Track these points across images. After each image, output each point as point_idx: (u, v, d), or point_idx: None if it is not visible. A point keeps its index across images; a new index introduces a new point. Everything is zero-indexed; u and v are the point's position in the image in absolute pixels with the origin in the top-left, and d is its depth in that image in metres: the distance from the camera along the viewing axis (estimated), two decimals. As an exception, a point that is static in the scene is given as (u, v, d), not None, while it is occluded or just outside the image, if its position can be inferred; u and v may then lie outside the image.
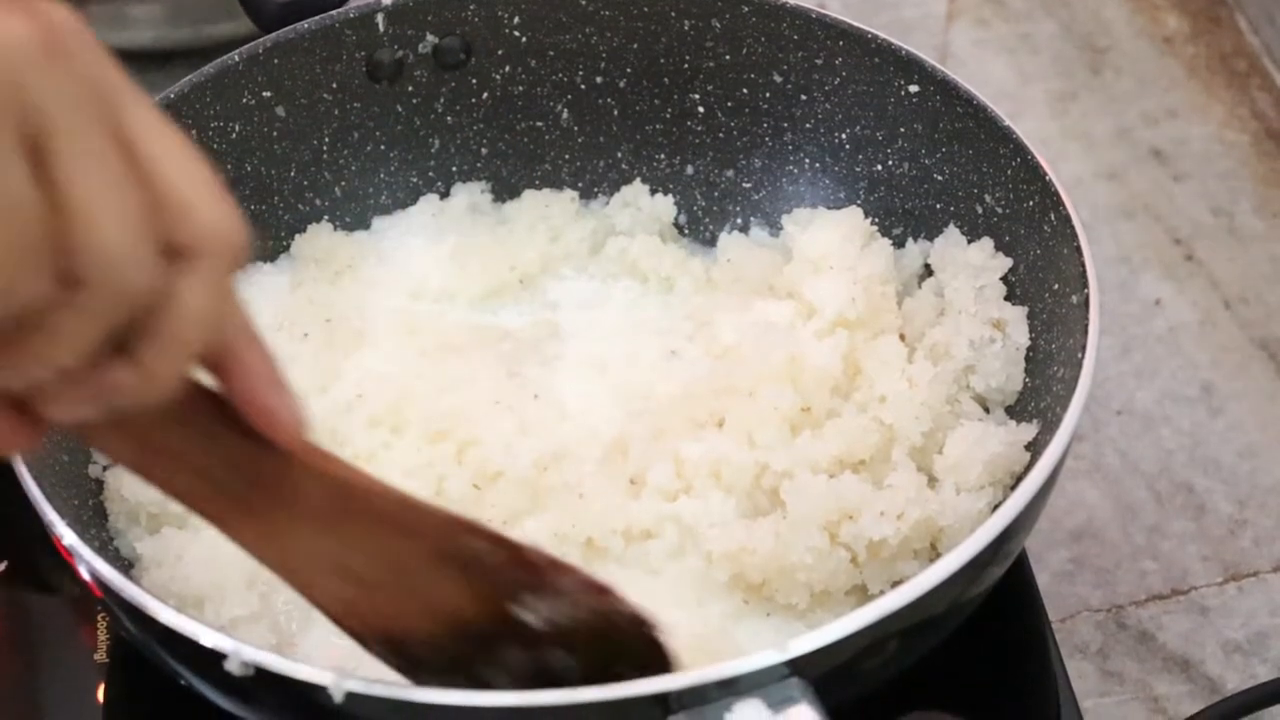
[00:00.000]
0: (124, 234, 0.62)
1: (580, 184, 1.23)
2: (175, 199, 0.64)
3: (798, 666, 0.83)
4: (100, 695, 1.07)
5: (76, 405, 0.66)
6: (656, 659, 0.85)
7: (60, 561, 0.94)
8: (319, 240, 1.19)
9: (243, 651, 0.85)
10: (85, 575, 0.92)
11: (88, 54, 0.64)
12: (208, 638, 0.86)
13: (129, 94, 0.65)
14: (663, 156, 1.22)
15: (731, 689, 0.82)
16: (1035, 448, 1.02)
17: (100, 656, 1.09)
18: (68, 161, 0.61)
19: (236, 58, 1.15)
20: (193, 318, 0.65)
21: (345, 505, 0.78)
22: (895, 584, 0.96)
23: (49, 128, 0.61)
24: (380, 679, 0.84)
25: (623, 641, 0.84)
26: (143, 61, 1.52)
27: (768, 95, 1.18)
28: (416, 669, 0.84)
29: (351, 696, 0.83)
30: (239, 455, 0.74)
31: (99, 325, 0.63)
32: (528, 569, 0.83)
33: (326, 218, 1.20)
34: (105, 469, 1.05)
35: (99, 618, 1.10)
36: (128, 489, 1.03)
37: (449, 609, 0.82)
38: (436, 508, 0.82)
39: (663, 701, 0.82)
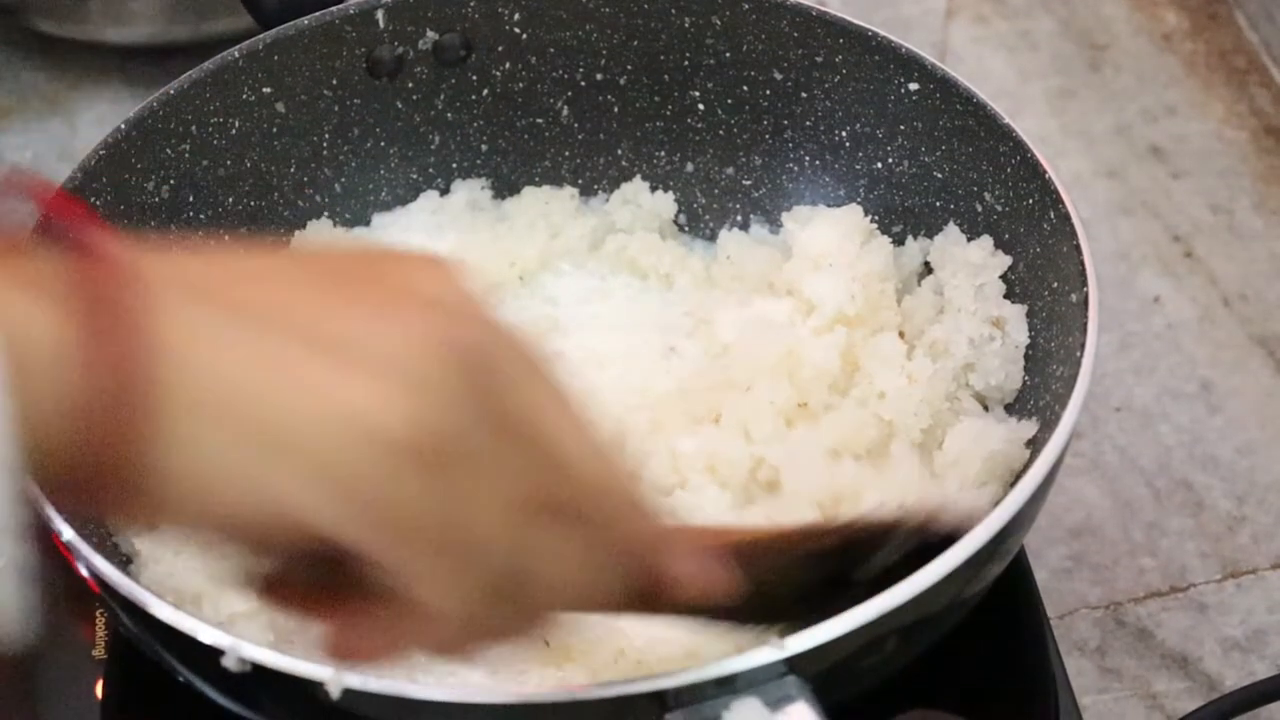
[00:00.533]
0: None
1: (580, 181, 1.23)
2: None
3: (795, 664, 0.83)
4: (99, 691, 1.07)
5: None
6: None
7: (58, 556, 0.94)
8: (319, 237, 1.19)
9: (240, 648, 0.85)
10: (83, 571, 0.92)
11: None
12: (205, 634, 0.86)
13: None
14: (663, 154, 1.22)
15: (729, 687, 0.82)
16: (1034, 445, 1.02)
17: (98, 652, 1.08)
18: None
19: (236, 54, 1.15)
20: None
21: None
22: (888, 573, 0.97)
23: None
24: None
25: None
26: (142, 57, 1.53)
27: (768, 93, 1.18)
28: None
29: (349, 693, 0.83)
30: None
31: None
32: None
33: (326, 214, 1.20)
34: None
35: (97, 613, 1.10)
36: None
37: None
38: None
39: (660, 699, 0.82)
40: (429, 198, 1.22)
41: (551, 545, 0.69)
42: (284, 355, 0.63)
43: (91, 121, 1.52)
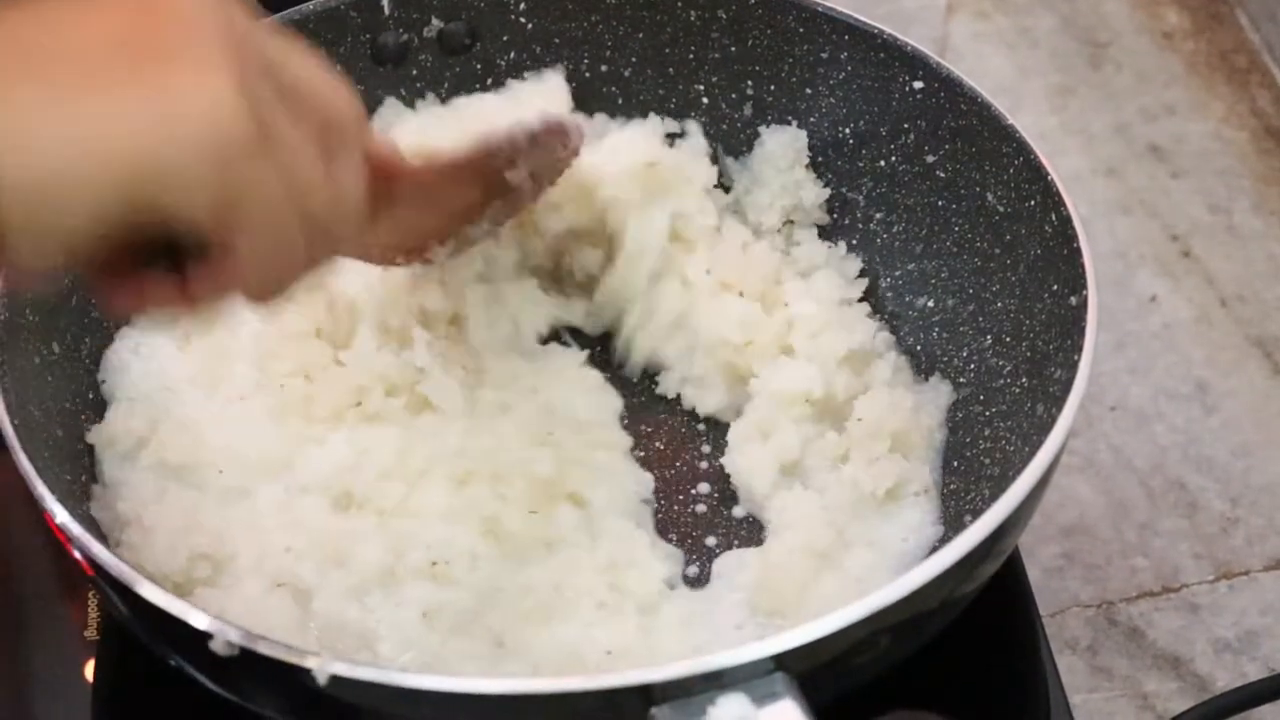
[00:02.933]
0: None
1: (582, 171, 1.23)
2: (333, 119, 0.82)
3: (783, 661, 0.83)
4: (89, 672, 1.07)
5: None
6: None
7: (52, 538, 0.94)
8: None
9: (227, 632, 0.85)
10: (76, 553, 0.92)
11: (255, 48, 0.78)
12: (194, 618, 0.86)
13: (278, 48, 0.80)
14: (665, 146, 1.22)
15: (715, 682, 0.82)
16: (1030, 447, 1.02)
17: (90, 633, 1.09)
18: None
19: (241, 38, 1.15)
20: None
21: (422, 190, 0.99)
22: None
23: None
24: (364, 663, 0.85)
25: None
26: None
27: (772, 88, 1.18)
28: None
29: (335, 679, 0.83)
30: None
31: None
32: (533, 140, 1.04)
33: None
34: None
35: (89, 595, 1.10)
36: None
37: (465, 206, 1.05)
38: (470, 154, 1.02)
39: (646, 693, 0.82)
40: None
41: (341, 175, 0.82)
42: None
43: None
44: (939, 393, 1.11)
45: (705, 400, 1.13)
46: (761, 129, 1.19)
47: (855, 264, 1.17)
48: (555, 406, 1.08)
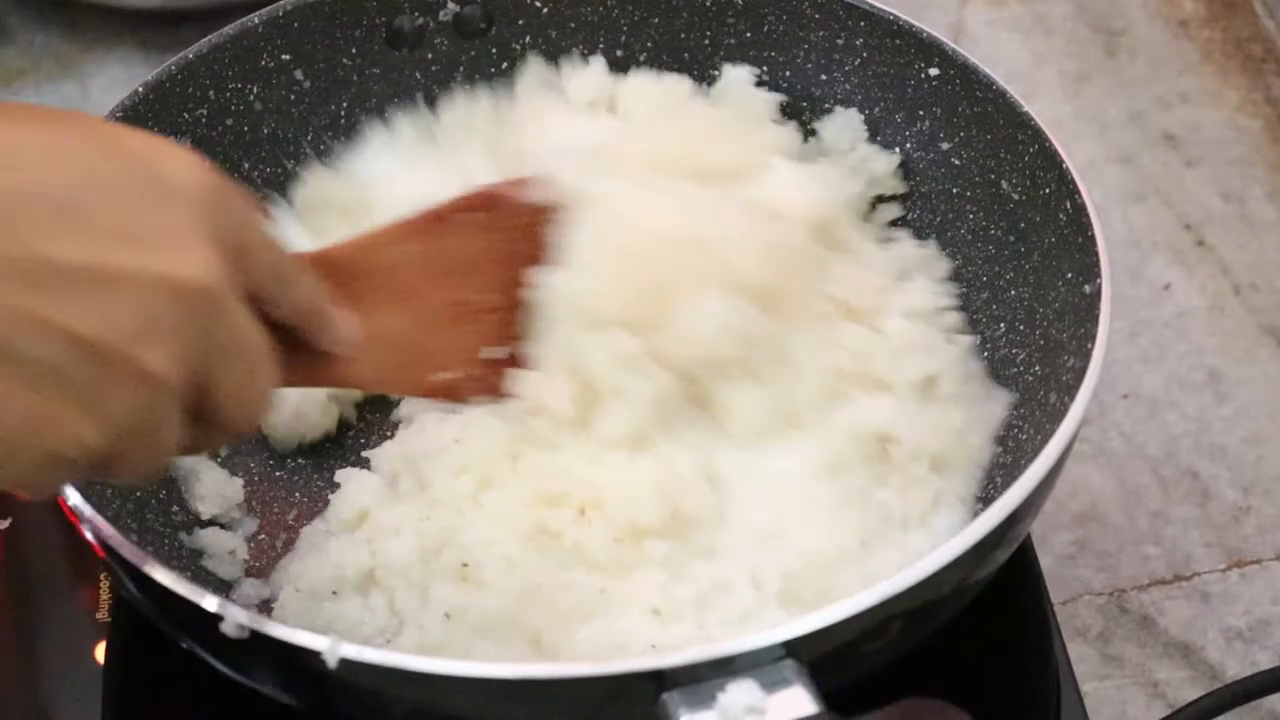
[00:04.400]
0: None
1: (597, 156, 1.23)
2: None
3: (794, 648, 0.83)
4: (100, 654, 1.08)
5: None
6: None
7: (63, 520, 0.94)
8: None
9: (238, 614, 0.85)
10: (88, 535, 0.92)
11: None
12: (205, 600, 0.86)
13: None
14: (680, 131, 1.22)
15: (726, 668, 0.82)
16: (1042, 435, 1.02)
17: (101, 615, 1.09)
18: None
19: (257, 20, 1.15)
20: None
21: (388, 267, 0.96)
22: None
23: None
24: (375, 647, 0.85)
25: None
26: (155, 22, 1.53)
27: (788, 74, 1.18)
28: None
29: (345, 663, 0.83)
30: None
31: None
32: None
33: (339, 180, 1.20)
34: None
35: (101, 577, 1.10)
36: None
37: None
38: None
39: (657, 678, 0.82)
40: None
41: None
42: None
43: (104, 84, 1.52)
44: (993, 407, 1.08)
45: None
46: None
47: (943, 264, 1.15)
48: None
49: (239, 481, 1.09)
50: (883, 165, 1.16)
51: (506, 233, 1.02)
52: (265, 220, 0.81)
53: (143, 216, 0.73)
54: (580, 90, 1.18)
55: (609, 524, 0.99)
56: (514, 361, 1.02)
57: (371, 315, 0.92)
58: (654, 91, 1.17)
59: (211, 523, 1.06)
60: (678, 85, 1.18)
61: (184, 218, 0.74)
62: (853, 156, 1.16)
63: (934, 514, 1.03)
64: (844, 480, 1.03)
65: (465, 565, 0.98)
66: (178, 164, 0.75)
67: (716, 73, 1.20)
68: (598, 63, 1.19)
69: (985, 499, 1.04)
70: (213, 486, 1.06)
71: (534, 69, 1.20)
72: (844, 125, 1.17)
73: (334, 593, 1.00)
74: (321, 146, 1.19)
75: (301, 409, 1.09)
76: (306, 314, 0.85)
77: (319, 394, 1.10)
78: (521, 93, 1.19)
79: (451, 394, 1.01)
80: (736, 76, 1.18)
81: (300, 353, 0.86)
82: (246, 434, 0.84)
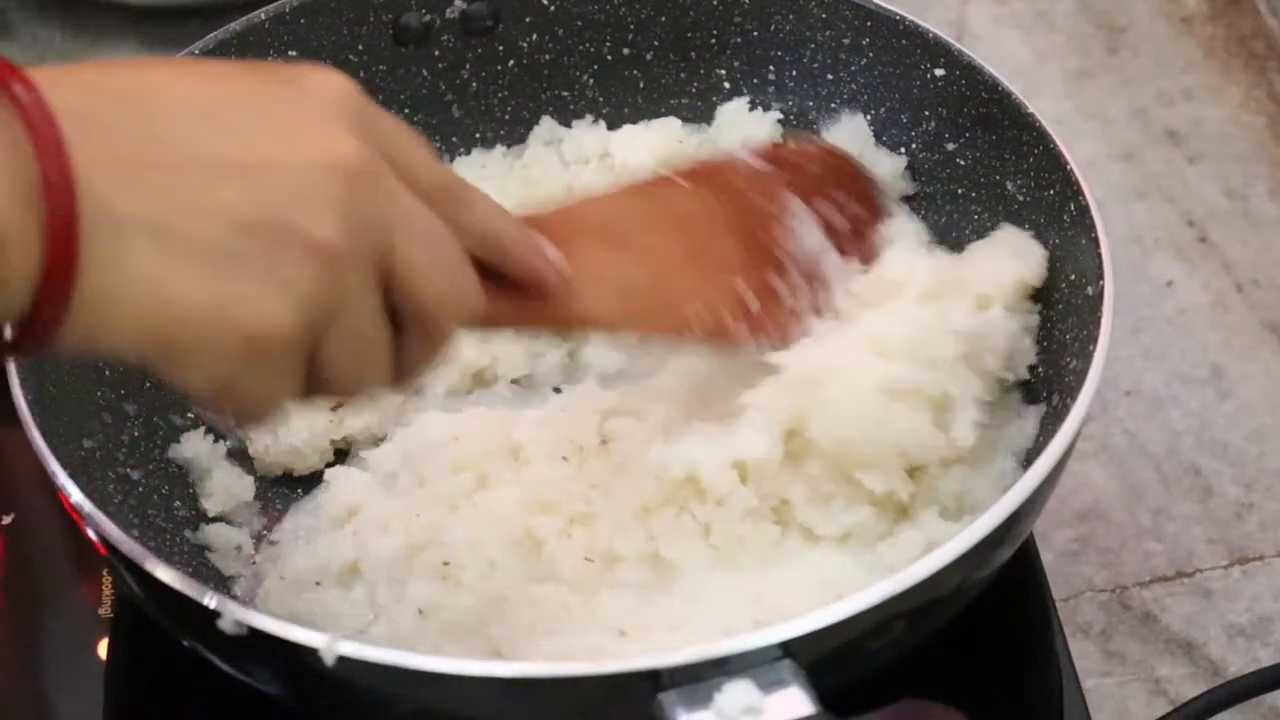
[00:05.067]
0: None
1: (605, 154, 1.23)
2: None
3: (790, 649, 0.83)
4: (103, 650, 1.08)
5: None
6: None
7: (65, 516, 0.95)
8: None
9: (235, 612, 0.86)
10: (90, 533, 0.93)
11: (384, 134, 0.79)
12: (204, 597, 0.87)
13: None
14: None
15: (723, 668, 0.83)
16: (1045, 436, 1.02)
17: (104, 611, 1.09)
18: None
19: (263, 16, 1.15)
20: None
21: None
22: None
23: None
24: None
25: None
26: (159, 18, 1.52)
27: (794, 74, 1.19)
28: None
29: (343, 660, 0.84)
30: None
31: None
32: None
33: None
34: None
35: (103, 573, 1.11)
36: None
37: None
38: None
39: (653, 678, 0.83)
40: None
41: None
42: None
43: (110, 80, 1.52)
44: (1024, 423, 1.05)
45: None
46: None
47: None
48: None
49: (249, 479, 1.09)
50: (889, 168, 1.16)
51: (739, 193, 1.02)
52: (421, 141, 0.82)
53: (290, 116, 0.75)
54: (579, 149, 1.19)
55: (590, 542, 0.99)
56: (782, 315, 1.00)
57: (586, 257, 0.92)
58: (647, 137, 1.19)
59: (218, 518, 1.07)
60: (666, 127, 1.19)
61: (330, 116, 0.76)
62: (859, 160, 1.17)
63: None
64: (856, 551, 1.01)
65: (446, 564, 0.98)
66: (325, 78, 0.78)
67: (721, 71, 1.20)
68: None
69: None
70: (223, 483, 1.07)
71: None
72: (850, 130, 1.17)
73: (317, 583, 1.00)
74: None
75: (295, 444, 1.09)
76: (484, 236, 0.84)
77: (319, 427, 1.10)
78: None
79: (717, 330, 0.98)
80: (731, 110, 1.20)
81: (508, 291, 0.86)
82: (451, 340, 0.82)
